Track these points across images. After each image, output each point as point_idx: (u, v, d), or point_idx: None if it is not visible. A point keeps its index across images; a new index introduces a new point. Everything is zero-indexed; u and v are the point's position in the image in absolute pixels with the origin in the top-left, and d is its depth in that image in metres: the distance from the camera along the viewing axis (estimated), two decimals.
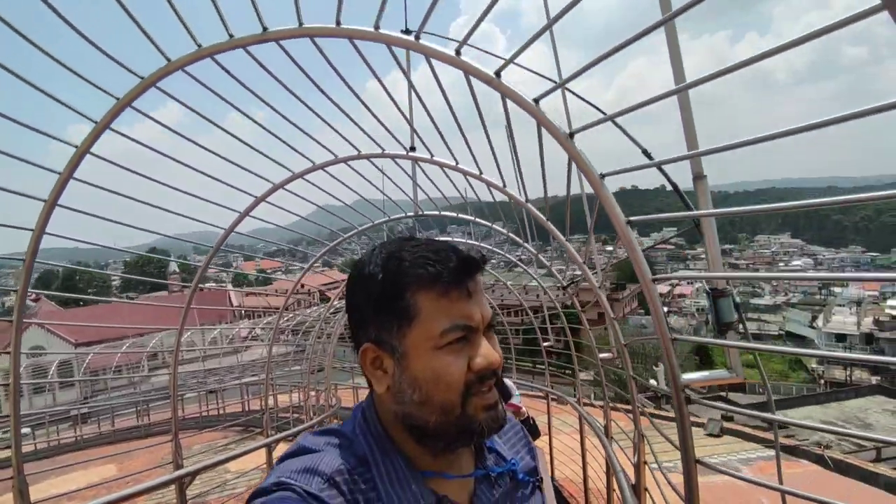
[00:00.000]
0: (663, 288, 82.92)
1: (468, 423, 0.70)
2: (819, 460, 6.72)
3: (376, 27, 1.57)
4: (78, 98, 2.64)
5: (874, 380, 35.75)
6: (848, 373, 36.18)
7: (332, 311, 9.24)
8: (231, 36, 1.80)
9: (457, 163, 2.84)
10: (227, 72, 2.02)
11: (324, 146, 2.93)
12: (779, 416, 1.66)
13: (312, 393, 8.54)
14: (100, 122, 2.13)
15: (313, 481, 0.65)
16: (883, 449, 18.68)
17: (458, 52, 1.52)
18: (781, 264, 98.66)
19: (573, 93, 1.85)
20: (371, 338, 0.71)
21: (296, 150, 2.83)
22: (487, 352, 0.71)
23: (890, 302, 49.75)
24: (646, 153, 1.62)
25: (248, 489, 5.19)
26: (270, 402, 9.82)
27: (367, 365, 0.72)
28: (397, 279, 0.69)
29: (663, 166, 1.52)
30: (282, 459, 0.71)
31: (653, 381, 22.60)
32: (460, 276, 0.70)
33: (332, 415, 6.48)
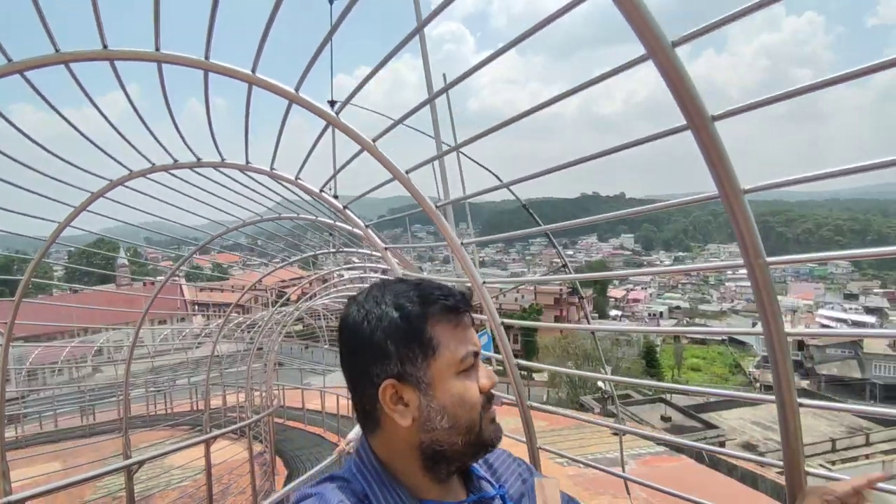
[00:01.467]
0: (618, 293, 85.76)
1: (483, 438, 0.77)
2: (698, 456, 7.43)
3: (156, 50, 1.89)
4: None
5: (804, 384, 38.46)
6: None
7: (282, 310, 9.41)
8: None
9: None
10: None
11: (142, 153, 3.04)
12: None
13: (257, 393, 8.72)
14: None
15: None
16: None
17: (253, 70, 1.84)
18: (729, 273, 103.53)
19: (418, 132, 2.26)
20: (392, 373, 0.73)
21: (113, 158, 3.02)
22: (489, 373, 0.79)
23: (821, 311, 53.39)
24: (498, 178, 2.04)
25: (194, 483, 5.40)
26: (218, 401, 9.97)
27: (387, 401, 0.73)
28: (417, 314, 0.74)
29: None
30: None
31: (600, 384, 23.66)
32: (466, 307, 0.78)
33: (270, 414, 6.70)
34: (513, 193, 3.14)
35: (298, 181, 2.71)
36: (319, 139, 2.14)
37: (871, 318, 52.84)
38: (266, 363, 9.92)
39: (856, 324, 49.32)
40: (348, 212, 2.78)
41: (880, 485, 0.95)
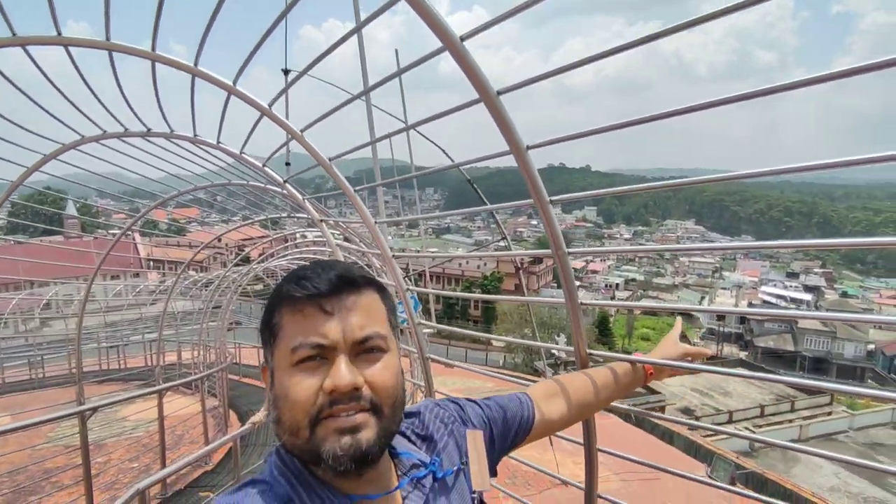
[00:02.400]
0: (578, 264, 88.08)
1: (317, 448, 0.66)
2: (626, 416, 8.13)
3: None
4: None
5: (742, 355, 41.15)
6: (719, 348, 41.04)
7: (238, 269, 9.35)
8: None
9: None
10: None
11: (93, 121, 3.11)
12: None
13: (212, 350, 8.78)
14: None
15: None
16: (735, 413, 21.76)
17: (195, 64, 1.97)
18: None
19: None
20: (265, 356, 0.73)
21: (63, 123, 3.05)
22: (336, 373, 0.66)
23: (763, 288, 56.62)
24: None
25: (147, 433, 5.54)
26: (173, 357, 9.97)
27: (266, 382, 0.73)
28: (273, 296, 0.72)
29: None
30: None
31: (553, 352, 24.71)
32: (320, 293, 0.68)
33: (224, 369, 6.84)
34: (461, 171, 3.30)
35: (243, 154, 2.78)
36: (257, 124, 2.23)
37: (808, 296, 56.44)
38: (221, 321, 9.94)
39: (793, 300, 52.62)
40: (288, 185, 2.89)
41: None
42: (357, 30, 1.75)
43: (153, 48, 1.89)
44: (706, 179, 1.18)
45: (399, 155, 4.80)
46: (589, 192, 1.36)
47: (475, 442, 0.89)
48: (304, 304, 0.68)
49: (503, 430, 0.98)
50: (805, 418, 21.61)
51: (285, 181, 2.86)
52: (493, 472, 0.93)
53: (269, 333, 0.71)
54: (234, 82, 1.96)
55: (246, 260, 10.59)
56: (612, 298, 64.49)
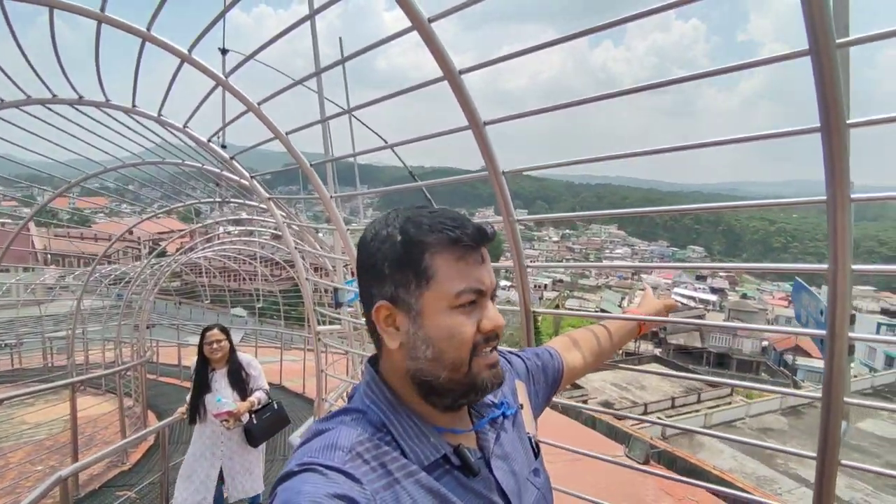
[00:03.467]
0: (510, 263, 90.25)
1: (473, 380, 0.74)
2: (553, 406, 8.73)
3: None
4: None
5: (657, 352, 44.15)
6: (637, 345, 43.75)
7: (156, 263, 8.74)
8: None
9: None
10: None
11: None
12: None
13: (126, 349, 8.16)
14: None
15: (335, 455, 0.67)
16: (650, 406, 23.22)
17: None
18: (607, 251, 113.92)
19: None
20: (387, 296, 0.74)
21: None
22: (494, 315, 0.75)
23: (676, 289, 61.16)
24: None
25: (50, 436, 5.02)
26: (81, 357, 9.13)
27: (379, 321, 0.75)
28: (417, 241, 0.72)
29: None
30: (299, 446, 0.73)
31: None
32: (476, 242, 0.74)
33: (142, 364, 6.37)
34: (398, 157, 3.30)
35: (187, 129, 2.63)
36: (208, 96, 2.13)
37: (714, 297, 61.70)
38: (139, 322, 9.24)
39: (701, 301, 57.29)
40: (234, 162, 2.76)
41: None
42: (313, 14, 1.72)
43: (102, 9, 1.74)
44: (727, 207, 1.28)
45: (349, 148, 4.71)
46: (565, 215, 1.45)
47: (521, 392, 0.97)
48: (466, 252, 0.74)
49: (543, 380, 1.08)
50: (710, 408, 23.57)
51: (233, 157, 2.72)
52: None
53: (416, 275, 0.72)
54: (190, 51, 1.85)
55: (162, 254, 9.88)
56: (541, 299, 66.94)
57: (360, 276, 0.79)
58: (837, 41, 0.91)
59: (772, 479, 13.83)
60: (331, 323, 3.36)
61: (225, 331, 3.30)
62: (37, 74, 2.61)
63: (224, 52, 3.40)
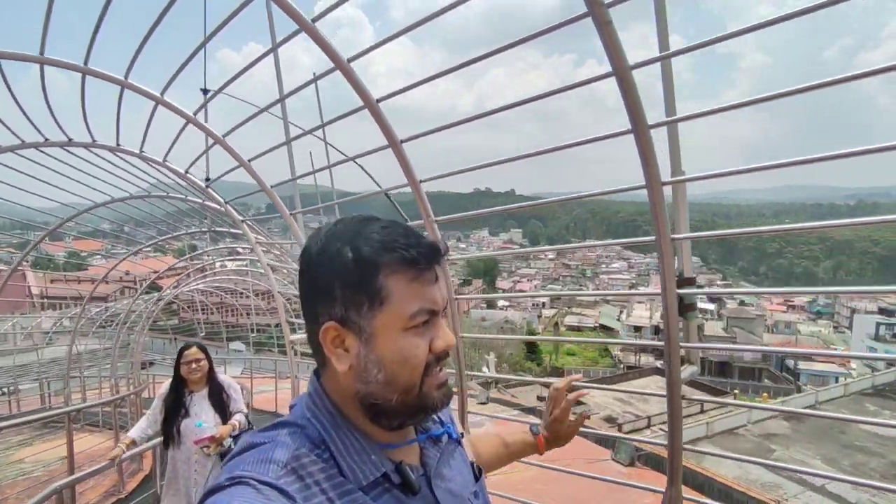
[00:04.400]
0: (506, 284, 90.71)
1: (424, 401, 0.73)
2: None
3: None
4: None
5: (658, 364, 44.01)
6: (637, 358, 43.63)
7: (143, 298, 8.85)
8: None
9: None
10: None
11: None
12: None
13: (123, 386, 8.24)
14: None
15: (269, 469, 0.64)
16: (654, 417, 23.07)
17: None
18: (603, 266, 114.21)
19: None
20: (336, 316, 0.70)
21: None
22: (445, 334, 0.74)
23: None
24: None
25: (47, 472, 5.08)
26: (78, 398, 9.19)
27: (326, 343, 0.71)
28: (370, 260, 0.69)
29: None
30: (230, 459, 0.70)
31: (484, 369, 25.29)
32: (430, 261, 0.72)
33: (136, 393, 6.46)
34: (375, 182, 3.54)
35: (166, 163, 2.86)
36: (181, 133, 2.36)
37: (711, 306, 61.71)
38: (133, 362, 9.35)
39: (700, 311, 57.22)
40: (210, 190, 2.98)
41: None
42: (271, 51, 1.96)
43: (86, 62, 1.98)
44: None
45: (322, 181, 4.97)
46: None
47: (458, 424, 0.98)
48: (420, 271, 0.71)
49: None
50: (711, 417, 23.44)
51: (207, 185, 2.94)
52: None
53: (369, 296, 0.69)
54: (162, 94, 2.08)
55: (154, 289, 10.03)
56: (539, 316, 66.81)
57: (304, 291, 0.74)
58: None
59: (777, 485, 13.77)
60: (302, 331, 3.53)
61: (204, 349, 3.12)
62: (30, 121, 2.84)
63: (205, 91, 3.67)
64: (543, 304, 73.85)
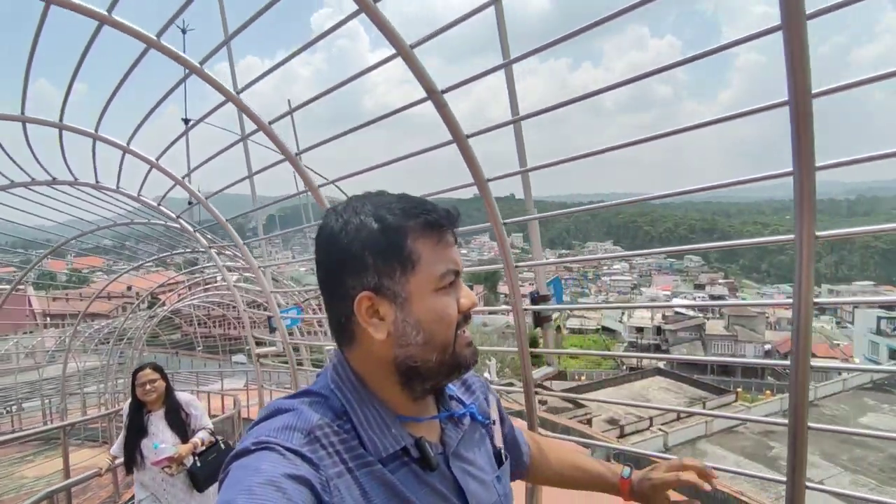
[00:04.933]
0: (507, 289, 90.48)
1: (457, 358, 0.76)
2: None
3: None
4: None
5: (660, 364, 43.99)
6: (639, 361, 43.62)
7: (137, 315, 9.03)
8: None
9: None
10: None
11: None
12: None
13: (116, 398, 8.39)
14: None
15: (293, 437, 0.66)
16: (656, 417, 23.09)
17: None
18: (605, 268, 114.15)
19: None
20: (369, 286, 0.71)
21: None
22: (469, 293, 0.77)
23: (675, 300, 61.26)
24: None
25: (49, 484, 5.23)
26: (78, 415, 9.36)
27: (362, 314, 0.72)
28: (397, 226, 0.71)
29: None
30: (256, 423, 0.72)
31: (486, 374, 25.38)
32: (449, 224, 0.75)
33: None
34: (340, 190, 3.72)
35: (140, 197, 3.08)
36: (148, 174, 2.58)
37: (713, 304, 61.60)
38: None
39: (701, 309, 57.35)
40: (181, 220, 3.20)
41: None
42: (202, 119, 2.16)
43: (61, 119, 2.20)
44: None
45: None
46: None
47: (494, 410, 0.97)
48: (443, 234, 0.75)
49: (508, 444, 1.01)
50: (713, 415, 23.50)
51: (178, 216, 3.15)
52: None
53: (400, 262, 0.72)
54: (128, 143, 2.29)
55: (153, 304, 10.21)
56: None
57: (329, 268, 0.75)
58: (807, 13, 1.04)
59: (775, 483, 13.85)
60: (268, 345, 3.70)
61: (159, 370, 3.09)
62: (17, 165, 3.09)
63: (186, 121, 3.90)
64: None
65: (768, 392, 31.46)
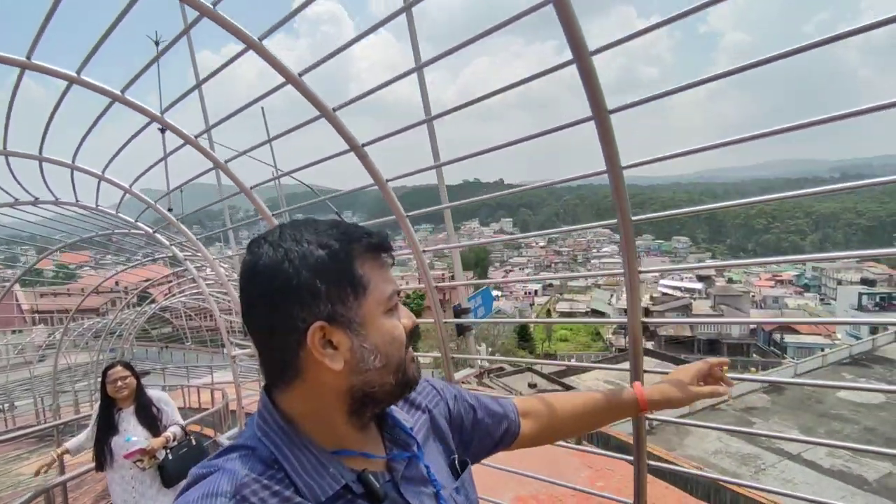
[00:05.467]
0: (499, 274, 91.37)
1: (407, 376, 0.76)
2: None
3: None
4: None
5: (649, 344, 44.81)
6: (627, 340, 44.34)
7: (127, 313, 9.14)
8: None
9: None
10: None
11: None
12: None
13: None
14: None
15: (217, 503, 0.63)
16: None
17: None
18: (594, 250, 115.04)
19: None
20: (323, 315, 0.68)
21: None
22: (408, 312, 0.78)
23: (662, 281, 62.13)
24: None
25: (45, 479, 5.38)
26: (71, 412, 9.47)
27: (315, 345, 0.68)
28: (344, 252, 0.70)
29: None
30: (178, 495, 0.67)
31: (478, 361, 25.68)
32: (387, 246, 0.76)
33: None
34: (328, 203, 3.85)
35: (99, 208, 3.24)
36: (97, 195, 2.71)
37: (699, 285, 62.68)
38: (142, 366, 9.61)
39: (687, 290, 58.27)
40: (140, 223, 3.36)
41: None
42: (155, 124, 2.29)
43: (41, 151, 2.33)
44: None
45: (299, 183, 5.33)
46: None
47: (455, 407, 0.99)
48: (385, 258, 0.76)
49: (479, 428, 1.01)
50: None
51: (136, 220, 3.33)
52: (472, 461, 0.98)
53: (352, 287, 0.70)
54: (103, 171, 2.44)
55: (144, 299, 10.27)
56: (532, 305, 67.45)
57: (268, 303, 0.68)
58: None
59: (756, 456, 14.35)
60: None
61: (129, 367, 3.09)
62: (2, 189, 3.22)
63: (163, 130, 4.00)
64: (536, 291, 74.54)
65: (753, 369, 32.22)
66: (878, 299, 45.79)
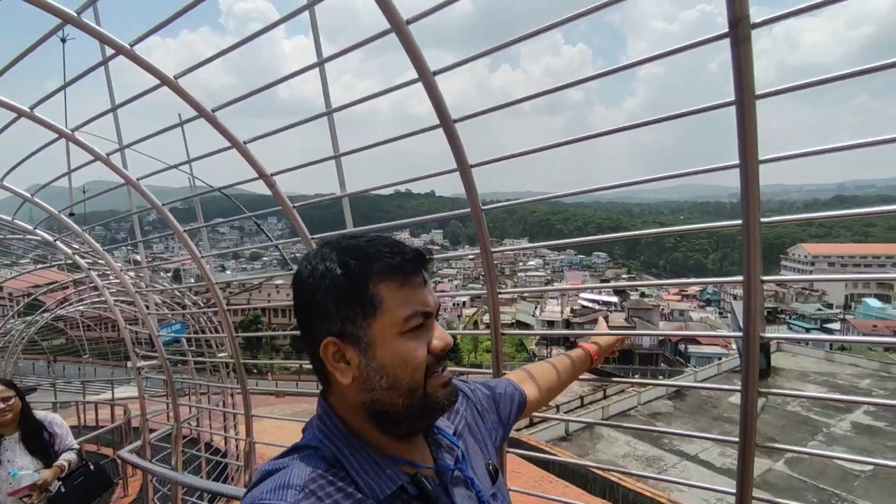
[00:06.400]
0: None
1: (430, 401, 0.76)
2: None
3: None
4: None
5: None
6: (549, 351, 46.08)
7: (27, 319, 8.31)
8: None
9: None
10: None
11: None
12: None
13: None
14: None
15: (287, 495, 0.66)
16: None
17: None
18: (521, 263, 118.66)
19: None
20: (333, 331, 0.73)
21: None
22: (442, 334, 0.77)
23: (583, 294, 65.33)
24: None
25: None
26: None
27: (328, 359, 0.74)
28: (359, 272, 0.72)
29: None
30: (247, 491, 0.71)
31: None
32: (416, 266, 0.75)
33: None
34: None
35: (37, 231, 3.02)
36: (17, 212, 2.55)
37: (616, 298, 66.55)
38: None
39: (604, 303, 61.67)
40: (38, 230, 3.17)
41: None
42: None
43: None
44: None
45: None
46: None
47: (490, 406, 1.06)
48: (408, 277, 0.75)
49: (508, 410, 1.11)
50: (609, 401, 25.57)
51: (36, 227, 3.14)
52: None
53: (362, 307, 0.72)
54: (33, 195, 2.32)
55: (33, 309, 9.32)
56: (459, 316, 68.28)
57: (300, 316, 0.77)
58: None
59: (659, 458, 15.42)
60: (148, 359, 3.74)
61: (12, 385, 2.69)
62: None
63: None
64: (464, 303, 75.49)
65: (661, 377, 34.62)
66: (765, 313, 50.97)
